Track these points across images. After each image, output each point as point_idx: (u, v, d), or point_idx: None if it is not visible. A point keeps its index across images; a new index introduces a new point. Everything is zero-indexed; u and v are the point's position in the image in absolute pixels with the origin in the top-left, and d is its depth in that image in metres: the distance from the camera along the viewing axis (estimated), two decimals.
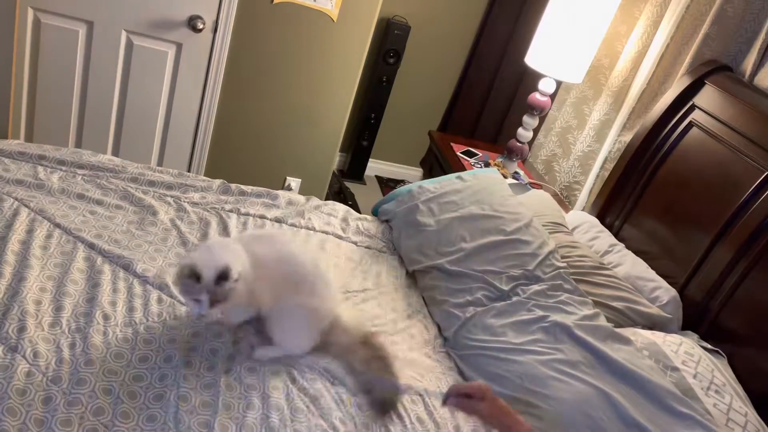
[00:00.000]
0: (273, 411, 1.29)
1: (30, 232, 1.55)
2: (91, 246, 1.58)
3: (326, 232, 1.97)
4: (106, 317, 1.38)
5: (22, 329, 1.28)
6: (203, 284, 1.24)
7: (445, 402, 1.29)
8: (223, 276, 1.25)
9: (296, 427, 1.27)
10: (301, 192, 2.92)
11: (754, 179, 1.82)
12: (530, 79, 3.35)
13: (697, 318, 1.87)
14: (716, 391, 1.53)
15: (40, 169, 1.80)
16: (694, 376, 1.55)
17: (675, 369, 1.57)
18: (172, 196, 1.88)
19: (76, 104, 2.55)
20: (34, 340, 1.26)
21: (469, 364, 1.61)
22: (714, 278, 1.84)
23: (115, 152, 2.68)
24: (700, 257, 1.90)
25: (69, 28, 2.40)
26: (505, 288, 1.74)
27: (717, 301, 1.83)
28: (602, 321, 1.65)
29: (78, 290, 1.43)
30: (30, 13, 2.34)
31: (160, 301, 1.48)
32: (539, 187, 2.75)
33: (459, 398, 1.25)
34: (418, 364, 1.57)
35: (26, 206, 1.64)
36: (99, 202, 1.75)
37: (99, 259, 1.55)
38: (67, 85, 2.50)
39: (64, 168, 1.84)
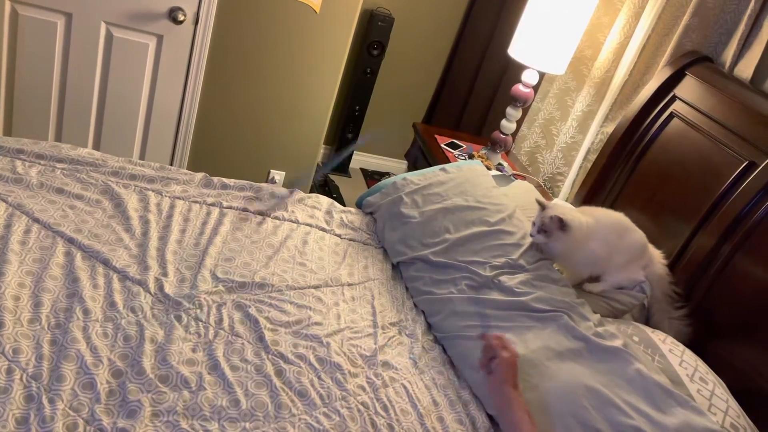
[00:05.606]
0: (257, 408, 1.28)
1: (8, 227, 1.53)
2: (70, 241, 1.56)
3: (310, 225, 1.96)
4: (86, 312, 1.37)
5: (0, 326, 1.26)
6: (540, 214, 1.73)
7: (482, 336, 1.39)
8: (553, 218, 1.68)
9: (280, 424, 1.27)
10: (286, 185, 2.91)
11: (734, 169, 1.83)
12: (514, 70, 3.36)
13: (680, 308, 1.89)
14: (700, 378, 1.55)
15: (18, 163, 1.78)
16: (680, 364, 1.58)
17: (662, 356, 1.59)
18: (153, 190, 1.86)
19: (55, 97, 2.51)
20: (13, 337, 1.25)
21: (456, 349, 1.63)
22: (695, 267, 1.86)
23: (96, 146, 2.65)
24: (682, 246, 1.92)
25: (47, 20, 2.36)
26: (489, 274, 1.74)
27: (699, 290, 1.85)
28: (587, 310, 1.67)
29: (57, 285, 1.42)
30: (7, 5, 2.30)
31: (140, 296, 1.47)
32: (523, 178, 2.76)
33: (489, 341, 1.36)
34: (404, 358, 1.58)
35: (4, 201, 1.62)
36: (79, 197, 1.73)
37: (79, 254, 1.53)
38: (46, 78, 2.46)
39: (42, 162, 1.82)
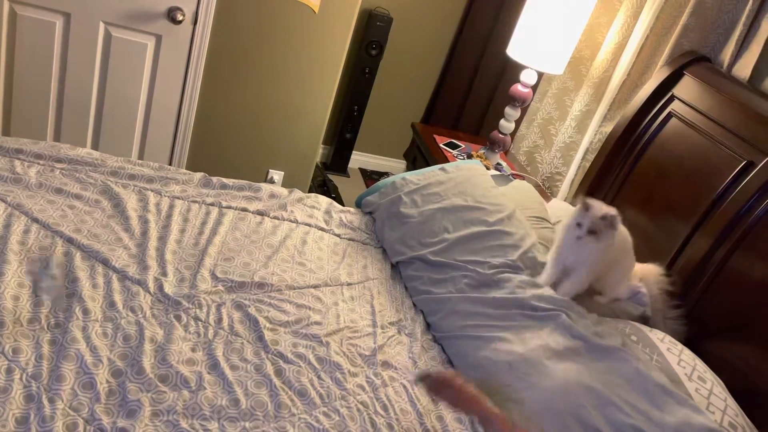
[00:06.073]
0: (257, 407, 1.29)
1: (7, 227, 1.53)
2: (69, 241, 1.56)
3: (309, 225, 1.96)
4: (85, 312, 1.37)
5: (0, 325, 1.26)
6: (587, 214, 1.62)
7: (420, 382, 1.30)
8: (606, 217, 1.61)
9: (280, 423, 1.27)
10: (285, 185, 2.91)
11: (732, 168, 1.84)
12: (512, 70, 3.36)
13: (676, 307, 1.89)
14: (699, 377, 1.56)
15: (17, 163, 1.78)
16: (678, 363, 1.58)
17: (660, 355, 1.59)
18: (152, 190, 1.86)
19: (53, 97, 2.51)
20: (13, 337, 1.25)
21: (455, 349, 1.63)
22: (693, 267, 1.87)
23: (95, 146, 2.65)
24: (680, 246, 1.92)
25: (46, 20, 2.36)
26: (488, 272, 1.74)
27: (696, 290, 1.86)
28: (585, 309, 1.67)
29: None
30: (6, 4, 2.30)
31: (139, 295, 1.47)
32: (522, 178, 2.76)
33: (431, 379, 1.28)
34: (403, 357, 1.58)
35: (3, 201, 1.62)
36: (78, 197, 1.73)
37: (78, 254, 1.53)
38: (45, 78, 2.46)
39: (41, 162, 1.82)
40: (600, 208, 1.64)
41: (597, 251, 1.67)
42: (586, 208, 1.64)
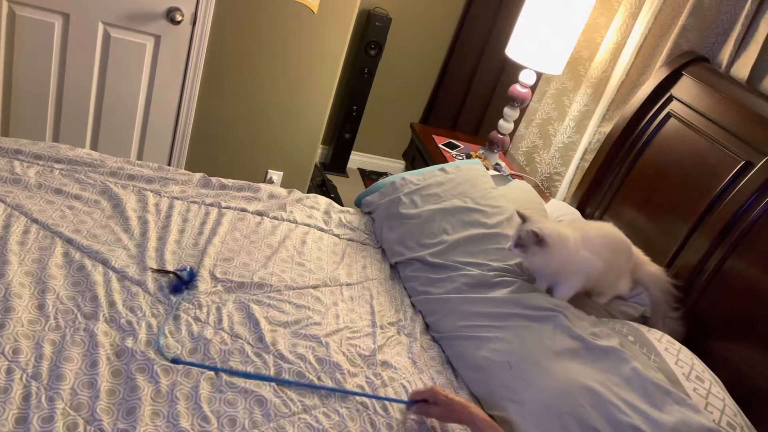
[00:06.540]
0: (257, 407, 1.29)
1: (7, 227, 1.53)
2: (69, 241, 1.56)
3: (308, 225, 1.97)
4: (85, 312, 1.37)
5: (1, 326, 1.26)
6: (518, 227, 1.67)
7: (408, 408, 1.40)
8: (529, 233, 1.61)
9: (279, 423, 1.27)
10: (284, 185, 2.91)
11: (730, 168, 1.84)
12: (511, 70, 3.37)
13: (675, 308, 1.90)
14: (696, 377, 1.56)
15: (16, 163, 1.78)
16: (676, 363, 1.58)
17: (658, 354, 1.60)
18: (151, 190, 1.87)
19: (52, 98, 2.51)
20: (14, 337, 1.25)
21: (454, 349, 1.63)
22: (692, 266, 1.87)
23: (94, 146, 2.65)
24: (678, 246, 1.92)
25: (44, 21, 2.36)
26: (488, 274, 1.75)
27: (695, 289, 1.86)
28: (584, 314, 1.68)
29: (57, 285, 1.42)
30: (4, 5, 2.30)
31: (139, 296, 1.47)
32: (521, 178, 2.76)
33: (418, 405, 1.38)
34: (403, 357, 1.58)
35: (3, 201, 1.62)
36: (77, 197, 1.73)
37: (77, 255, 1.53)
38: (44, 78, 2.46)
39: (41, 162, 1.82)
40: (534, 223, 1.64)
41: (547, 266, 1.68)
42: (522, 220, 1.68)
